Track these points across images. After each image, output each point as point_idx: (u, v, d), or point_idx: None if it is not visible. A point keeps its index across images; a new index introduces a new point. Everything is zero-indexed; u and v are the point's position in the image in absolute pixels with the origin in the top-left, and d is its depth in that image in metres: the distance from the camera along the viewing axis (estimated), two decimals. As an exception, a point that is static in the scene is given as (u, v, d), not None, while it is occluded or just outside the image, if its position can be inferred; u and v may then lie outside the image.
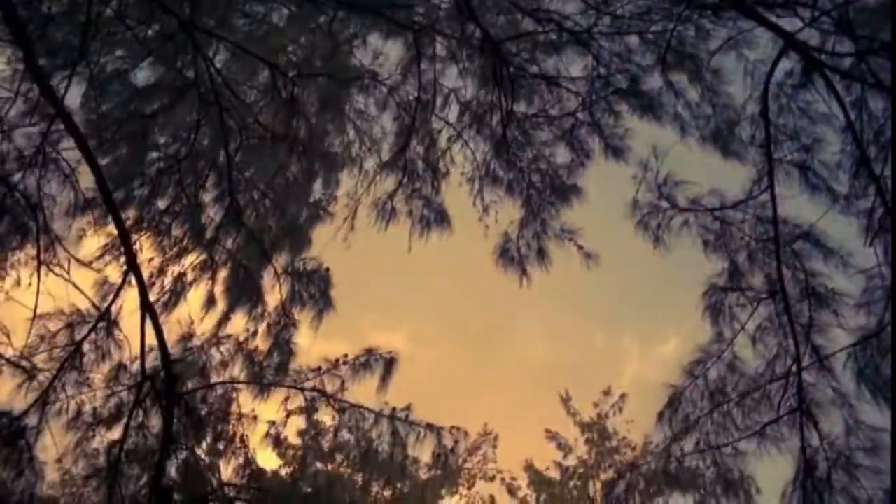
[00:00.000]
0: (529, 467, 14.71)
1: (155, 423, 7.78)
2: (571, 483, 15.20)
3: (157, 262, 8.25)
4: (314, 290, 7.23)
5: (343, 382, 8.00)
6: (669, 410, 5.29)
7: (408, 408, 7.88)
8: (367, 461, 7.72)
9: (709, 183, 5.50)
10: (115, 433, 7.75)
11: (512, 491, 15.02)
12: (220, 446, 7.84)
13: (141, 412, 7.77)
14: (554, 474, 15.33)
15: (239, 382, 7.93)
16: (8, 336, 7.79)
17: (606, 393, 15.45)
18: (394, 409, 7.89)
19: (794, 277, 5.25)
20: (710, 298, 5.38)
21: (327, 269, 7.27)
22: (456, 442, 7.77)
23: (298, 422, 8.01)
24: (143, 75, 7.96)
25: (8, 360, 7.54)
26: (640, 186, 5.52)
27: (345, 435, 8.13)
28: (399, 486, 9.21)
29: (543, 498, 14.91)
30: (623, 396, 15.44)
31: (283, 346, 7.37)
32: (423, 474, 14.44)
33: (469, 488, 14.60)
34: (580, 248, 6.48)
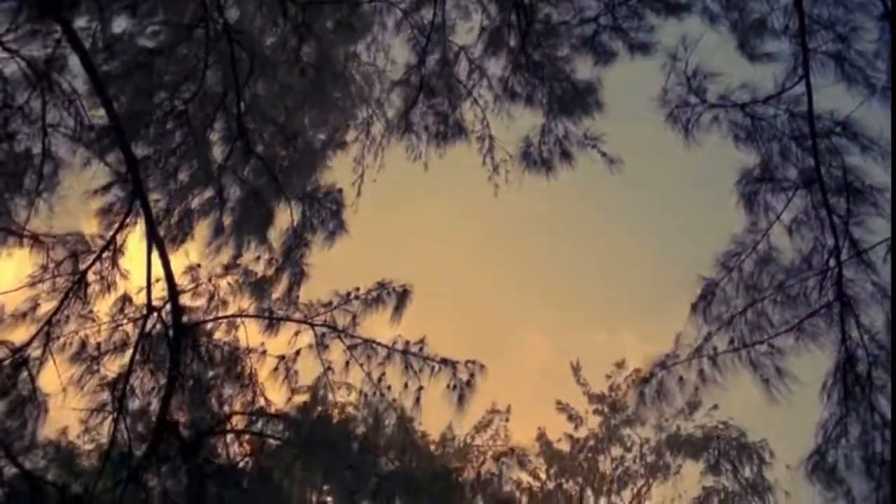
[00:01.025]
0: (541, 437, 14.44)
1: (161, 356, 7.56)
2: (581, 455, 14.95)
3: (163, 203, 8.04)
4: (326, 212, 7.02)
5: (354, 317, 7.76)
6: (703, 303, 5.02)
7: (422, 341, 7.62)
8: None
9: (740, 77, 5.27)
10: (121, 366, 7.53)
11: (522, 463, 14.69)
12: (228, 381, 7.59)
13: (147, 345, 7.56)
14: (565, 446, 15.08)
15: (247, 316, 7.70)
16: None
17: (619, 365, 15.21)
18: (407, 342, 7.63)
19: (829, 172, 5.00)
20: (744, 187, 5.13)
21: (340, 190, 7.05)
22: (472, 375, 7.51)
23: (309, 358, 7.74)
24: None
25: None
26: (669, 77, 5.28)
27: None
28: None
29: (554, 470, 14.65)
30: (637, 370, 15.13)
31: (294, 268, 7.13)
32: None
33: (480, 466, 14.28)
34: (603, 154, 6.25)
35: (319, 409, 7.45)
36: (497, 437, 14.76)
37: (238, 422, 7.29)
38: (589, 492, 13.97)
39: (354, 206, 9.24)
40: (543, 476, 14.48)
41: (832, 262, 4.81)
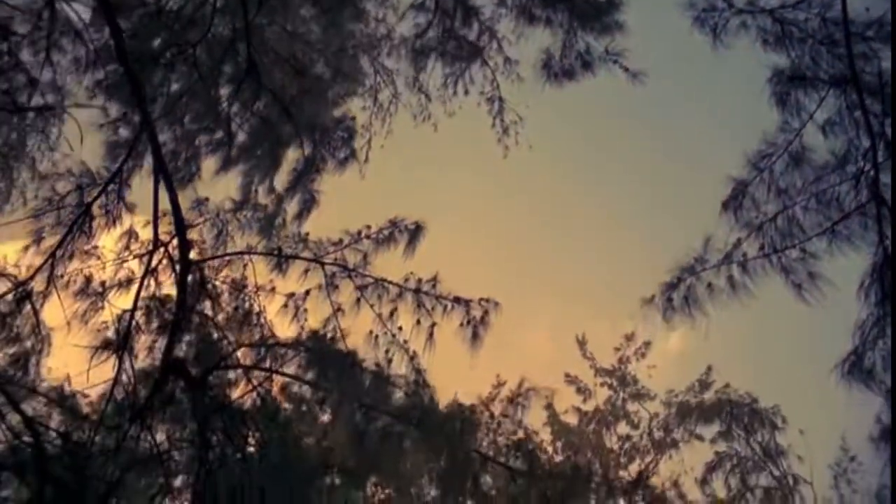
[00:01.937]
0: (549, 406, 14.17)
1: (167, 292, 7.39)
2: (590, 427, 14.71)
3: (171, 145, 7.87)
4: (337, 140, 6.83)
5: (366, 256, 7.55)
6: (733, 203, 4.81)
7: (434, 279, 7.40)
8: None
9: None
10: (126, 303, 7.35)
11: (529, 437, 14.44)
12: (236, 318, 7.40)
13: (152, 281, 7.38)
14: (573, 419, 14.84)
15: (256, 253, 7.51)
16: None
17: (629, 338, 14.97)
18: (419, 280, 7.42)
19: (863, 75, 4.79)
20: (776, 86, 4.92)
21: (353, 118, 6.86)
22: (486, 313, 7.29)
23: (318, 299, 7.53)
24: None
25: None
26: (696, -24, 5.07)
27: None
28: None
29: (560, 444, 14.40)
30: (647, 343, 14.95)
31: (305, 194, 6.95)
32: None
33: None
34: (626, 69, 6.05)
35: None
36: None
37: (246, 357, 7.09)
38: (597, 465, 13.74)
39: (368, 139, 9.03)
40: (550, 449, 14.28)
41: (867, 164, 4.61)
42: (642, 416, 15.02)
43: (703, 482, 12.39)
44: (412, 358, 7.36)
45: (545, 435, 14.32)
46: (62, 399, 8.41)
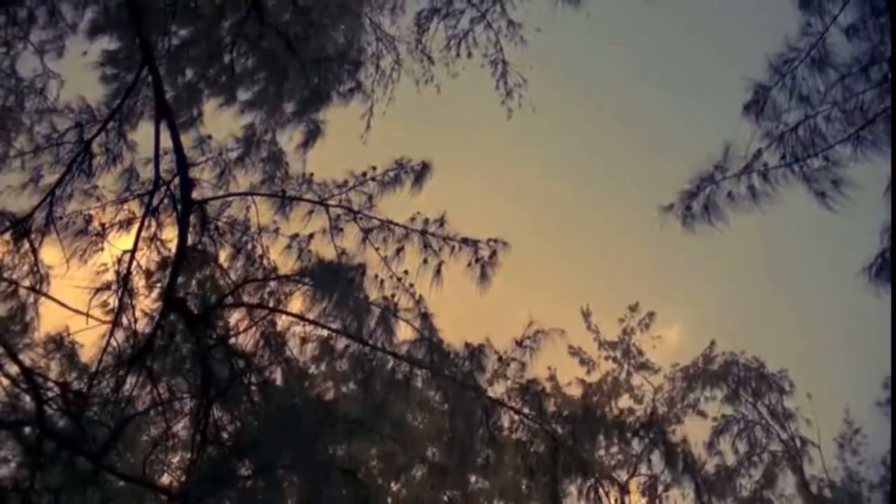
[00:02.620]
0: (552, 378, 14.00)
1: (168, 233, 7.24)
2: (595, 399, 14.54)
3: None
4: (343, 73, 6.67)
5: (371, 198, 7.40)
6: (754, 108, 4.66)
7: (441, 219, 7.25)
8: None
9: None
10: (126, 244, 7.20)
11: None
12: (238, 258, 7.24)
13: (153, 221, 7.23)
14: (576, 391, 14.69)
15: (259, 194, 7.36)
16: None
17: (633, 309, 14.78)
18: (426, 220, 7.27)
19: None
20: (798, -14, 4.76)
21: (359, 51, 6.70)
22: (494, 253, 7.14)
23: (322, 243, 7.37)
24: None
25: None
26: None
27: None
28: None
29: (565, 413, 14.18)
30: (651, 314, 14.77)
31: (309, 125, 6.79)
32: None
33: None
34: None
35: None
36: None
37: (249, 296, 6.93)
38: (601, 438, 13.55)
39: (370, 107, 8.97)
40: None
41: (891, 69, 4.45)
42: (646, 391, 14.90)
43: (710, 446, 12.26)
44: (418, 301, 7.21)
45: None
46: (60, 347, 8.29)
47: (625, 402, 15.16)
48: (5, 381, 8.11)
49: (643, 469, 12.83)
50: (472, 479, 11.97)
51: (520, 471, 7.15)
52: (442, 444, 10.09)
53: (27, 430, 8.48)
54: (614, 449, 13.26)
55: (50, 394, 7.98)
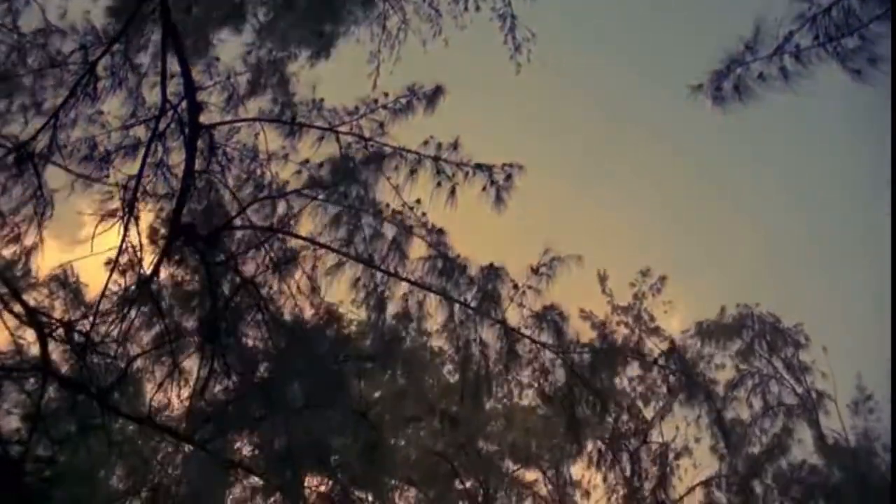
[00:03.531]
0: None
1: (175, 158, 7.06)
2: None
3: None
4: None
5: (382, 125, 7.21)
6: None
7: (455, 143, 7.06)
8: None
9: None
10: (132, 170, 7.02)
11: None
12: (247, 184, 7.07)
13: (160, 146, 7.05)
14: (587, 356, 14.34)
15: (268, 119, 7.18)
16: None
17: (645, 274, 14.53)
18: (439, 144, 7.08)
19: None
20: None
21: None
22: (508, 176, 6.95)
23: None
24: None
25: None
26: None
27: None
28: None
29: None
30: (663, 278, 14.51)
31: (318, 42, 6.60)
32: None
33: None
34: None
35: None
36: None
37: (259, 219, 6.76)
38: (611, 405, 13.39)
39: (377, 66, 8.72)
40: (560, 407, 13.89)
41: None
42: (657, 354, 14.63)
43: (724, 399, 12.05)
44: (430, 230, 7.03)
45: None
46: (64, 285, 8.12)
47: (635, 370, 14.91)
48: (10, 323, 7.99)
49: (662, 392, 12.54)
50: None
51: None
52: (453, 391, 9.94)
53: (31, 380, 8.38)
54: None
55: (55, 335, 7.85)
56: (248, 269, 6.88)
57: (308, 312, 7.08)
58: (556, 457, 12.82)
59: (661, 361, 7.11)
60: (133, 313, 7.20)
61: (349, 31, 7.92)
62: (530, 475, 13.39)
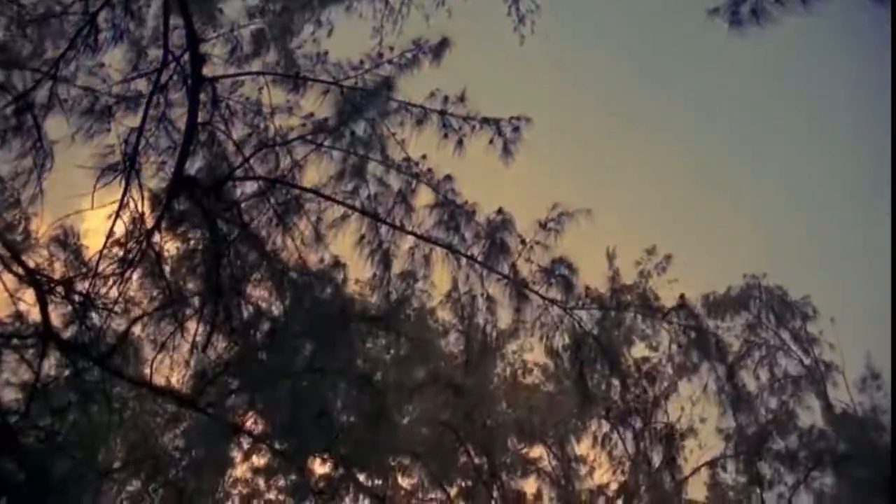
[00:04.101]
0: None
1: (177, 111, 6.93)
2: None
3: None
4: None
5: (388, 80, 7.08)
6: None
7: (462, 96, 6.94)
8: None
9: None
10: (133, 123, 6.89)
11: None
12: (251, 139, 6.94)
13: (162, 99, 6.93)
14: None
15: (272, 74, 7.05)
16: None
17: (650, 252, 14.35)
18: (445, 97, 6.96)
19: None
20: None
21: None
22: (516, 129, 6.83)
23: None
24: None
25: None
26: None
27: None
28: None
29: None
30: (668, 257, 14.34)
31: None
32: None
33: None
34: None
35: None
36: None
37: (261, 170, 6.64)
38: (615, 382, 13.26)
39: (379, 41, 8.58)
40: (568, 365, 13.76)
41: None
42: (663, 335, 14.47)
43: (730, 372, 11.89)
44: (437, 185, 6.91)
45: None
46: (65, 246, 8.00)
47: (640, 350, 14.75)
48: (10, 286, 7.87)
49: (673, 349, 12.33)
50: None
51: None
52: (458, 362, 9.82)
53: (31, 350, 8.26)
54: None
55: (56, 292, 7.73)
56: (252, 221, 6.77)
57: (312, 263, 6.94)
58: (561, 433, 12.71)
59: (672, 317, 6.94)
60: (134, 270, 7.11)
61: (351, 6, 7.84)
62: (535, 451, 13.30)
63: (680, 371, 14.49)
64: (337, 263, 6.60)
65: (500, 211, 6.31)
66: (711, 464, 14.25)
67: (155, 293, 7.48)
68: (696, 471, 14.00)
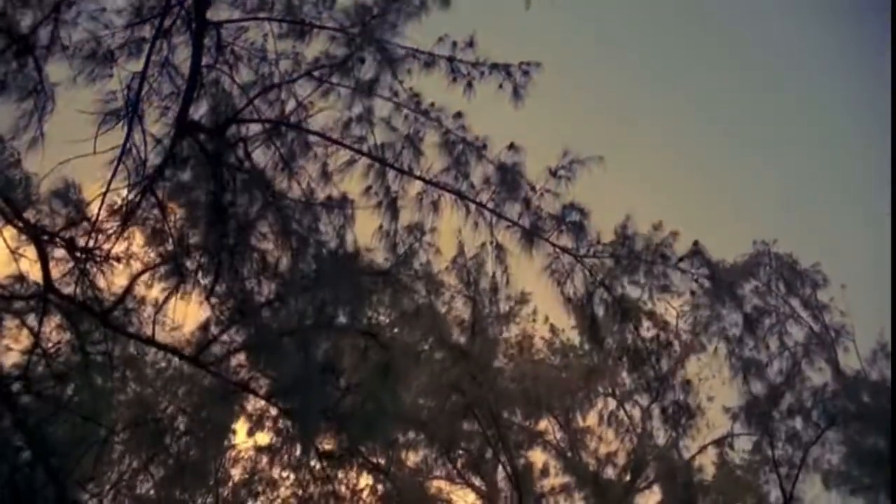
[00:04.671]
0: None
1: (181, 56, 6.80)
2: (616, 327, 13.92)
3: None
4: None
5: (395, 27, 6.96)
6: None
7: (470, 41, 6.82)
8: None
9: None
10: (136, 68, 6.75)
11: (555, 332, 13.95)
12: (254, 86, 6.82)
13: (165, 44, 6.80)
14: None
15: (277, 20, 6.92)
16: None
17: (657, 227, 14.17)
18: (454, 43, 6.84)
19: None
20: None
21: None
22: (526, 73, 6.71)
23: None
24: None
25: None
26: None
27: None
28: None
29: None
30: (675, 234, 14.12)
31: None
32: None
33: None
34: None
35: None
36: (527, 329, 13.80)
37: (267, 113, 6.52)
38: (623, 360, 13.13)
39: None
40: (577, 342, 13.71)
41: None
42: (671, 313, 14.31)
43: (740, 340, 11.76)
44: (445, 133, 6.79)
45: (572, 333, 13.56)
46: (65, 200, 7.87)
47: (646, 331, 14.61)
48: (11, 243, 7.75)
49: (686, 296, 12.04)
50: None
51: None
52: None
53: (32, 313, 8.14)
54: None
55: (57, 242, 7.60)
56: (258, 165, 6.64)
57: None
58: (567, 404, 12.59)
59: (684, 265, 6.80)
60: (136, 220, 6.99)
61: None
62: (541, 424, 13.17)
63: (687, 349, 14.35)
64: (345, 199, 6.44)
65: (511, 146, 6.17)
66: (719, 442, 14.12)
67: (158, 243, 7.38)
68: (702, 449, 13.87)
